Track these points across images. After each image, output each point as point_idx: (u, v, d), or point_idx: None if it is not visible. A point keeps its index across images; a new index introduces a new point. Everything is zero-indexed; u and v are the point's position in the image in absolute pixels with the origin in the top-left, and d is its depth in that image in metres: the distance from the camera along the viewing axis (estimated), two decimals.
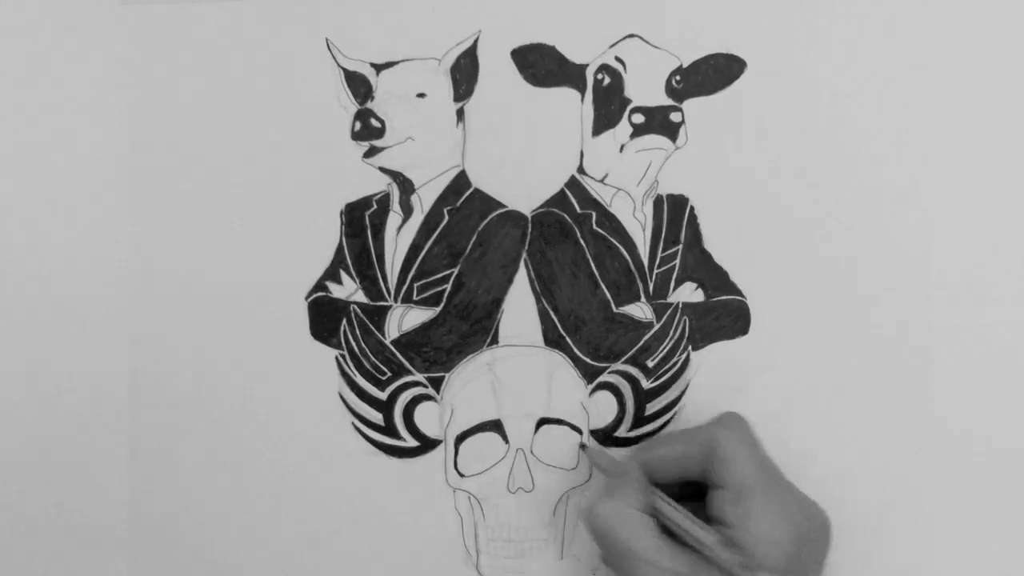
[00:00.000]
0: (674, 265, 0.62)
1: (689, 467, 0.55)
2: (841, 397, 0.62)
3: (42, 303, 0.63)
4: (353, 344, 0.63)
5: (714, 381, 0.62)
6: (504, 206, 0.63)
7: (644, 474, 0.55)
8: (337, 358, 0.63)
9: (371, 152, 0.63)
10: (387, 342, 0.63)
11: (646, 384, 0.62)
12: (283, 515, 0.63)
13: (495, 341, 0.62)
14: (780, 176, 0.62)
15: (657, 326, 0.62)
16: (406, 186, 0.63)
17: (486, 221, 0.63)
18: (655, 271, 0.62)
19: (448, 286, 0.62)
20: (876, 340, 0.61)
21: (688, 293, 0.62)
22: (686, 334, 0.62)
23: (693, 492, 0.56)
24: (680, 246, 0.62)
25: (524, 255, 0.62)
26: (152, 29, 0.64)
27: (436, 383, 0.62)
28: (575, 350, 0.62)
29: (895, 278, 0.61)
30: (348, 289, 0.63)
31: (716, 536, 0.52)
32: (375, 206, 0.63)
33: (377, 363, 0.62)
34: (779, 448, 0.61)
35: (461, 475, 0.62)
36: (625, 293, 0.62)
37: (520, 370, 0.62)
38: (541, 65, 0.62)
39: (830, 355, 0.62)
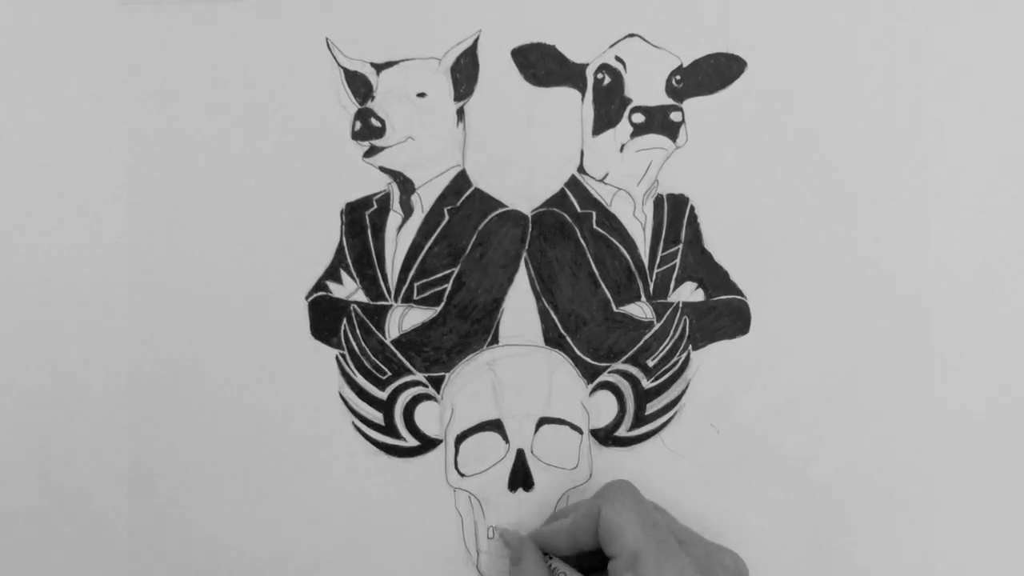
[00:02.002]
0: (674, 265, 0.62)
1: (581, 539, 0.55)
2: (841, 397, 0.62)
3: (42, 303, 0.63)
4: (353, 344, 0.62)
5: (714, 381, 0.62)
6: (504, 206, 0.63)
7: (539, 552, 0.57)
8: (337, 358, 0.63)
9: (371, 152, 0.63)
10: (387, 342, 0.63)
11: (646, 384, 0.62)
12: (283, 515, 0.63)
13: (495, 341, 0.62)
14: (780, 176, 0.62)
15: (657, 326, 0.62)
16: (406, 186, 0.63)
17: (486, 221, 0.63)
18: (655, 271, 0.62)
19: (448, 286, 0.62)
20: (876, 339, 0.61)
21: (688, 293, 0.62)
22: (686, 334, 0.62)
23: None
24: (680, 246, 0.62)
25: (524, 255, 0.62)
26: (152, 29, 0.64)
27: (436, 383, 0.62)
28: (575, 350, 0.62)
29: (895, 278, 0.61)
30: (348, 289, 0.63)
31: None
32: (375, 206, 0.63)
33: (377, 363, 0.62)
34: (779, 448, 0.62)
35: (461, 475, 0.62)
36: (625, 293, 0.62)
37: (520, 370, 0.62)
38: (541, 65, 0.63)
39: (830, 354, 0.62)
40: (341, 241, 0.63)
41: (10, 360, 0.63)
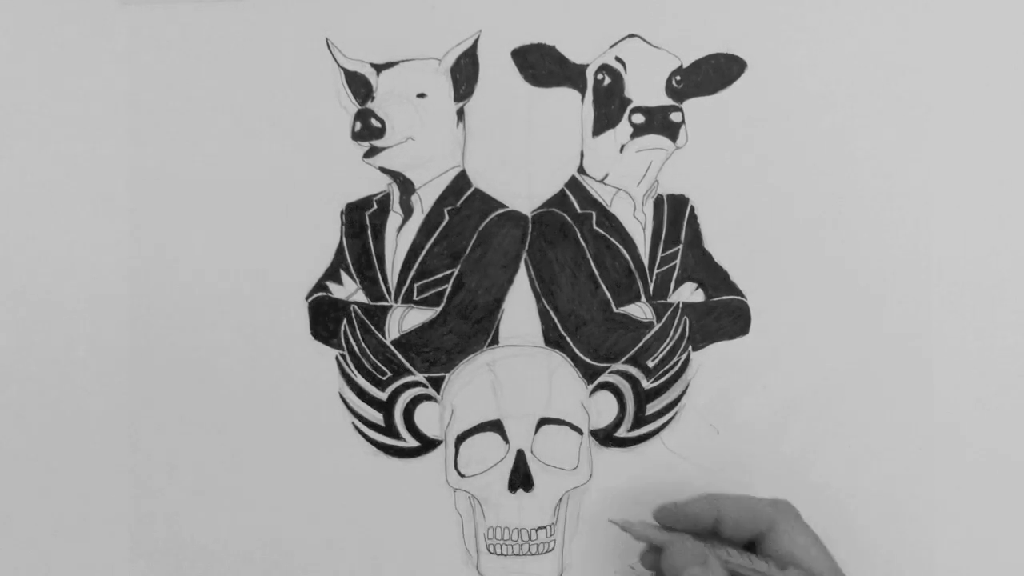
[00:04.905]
0: (674, 265, 0.62)
1: (726, 524, 0.55)
2: (841, 397, 0.62)
3: (42, 303, 0.63)
4: (353, 344, 0.62)
5: (714, 381, 0.62)
6: (504, 206, 0.63)
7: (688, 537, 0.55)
8: (337, 358, 0.63)
9: (371, 152, 0.63)
10: (387, 342, 0.63)
11: (646, 384, 0.62)
12: (283, 515, 0.63)
13: (495, 341, 0.62)
14: (780, 176, 0.62)
15: (657, 326, 0.62)
16: (406, 186, 0.63)
17: (486, 221, 0.63)
18: (655, 271, 0.62)
19: (448, 286, 0.62)
20: (876, 340, 0.61)
21: (688, 293, 0.62)
22: (686, 334, 0.62)
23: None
24: (680, 246, 0.62)
25: (524, 255, 0.62)
26: (152, 29, 0.64)
27: (436, 383, 0.62)
28: (575, 350, 0.62)
29: (895, 278, 0.61)
30: (348, 289, 0.63)
31: (768, 563, 0.53)
32: (375, 206, 0.63)
33: (377, 363, 0.62)
34: (779, 448, 0.62)
35: (461, 475, 0.62)
36: (625, 293, 0.62)
37: (520, 370, 0.62)
38: (541, 65, 0.62)
39: (830, 355, 0.62)
40: (341, 241, 0.63)
41: (10, 361, 0.63)
